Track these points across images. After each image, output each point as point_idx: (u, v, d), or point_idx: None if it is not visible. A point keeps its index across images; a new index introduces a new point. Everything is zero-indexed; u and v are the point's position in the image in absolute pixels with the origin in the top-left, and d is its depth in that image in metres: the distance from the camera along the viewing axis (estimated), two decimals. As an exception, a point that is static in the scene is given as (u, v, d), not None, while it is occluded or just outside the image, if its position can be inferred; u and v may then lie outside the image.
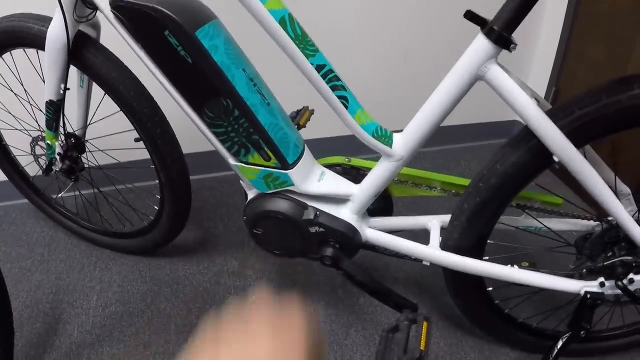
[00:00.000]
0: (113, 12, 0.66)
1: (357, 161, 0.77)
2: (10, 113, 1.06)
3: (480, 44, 0.57)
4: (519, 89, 0.56)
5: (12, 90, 1.02)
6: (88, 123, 0.96)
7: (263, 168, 0.72)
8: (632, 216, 0.63)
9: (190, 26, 0.64)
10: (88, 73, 0.82)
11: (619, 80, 0.56)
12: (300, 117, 0.83)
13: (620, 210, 0.62)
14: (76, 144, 0.96)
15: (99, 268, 1.09)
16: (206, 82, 0.66)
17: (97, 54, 0.80)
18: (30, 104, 1.01)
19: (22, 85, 1.00)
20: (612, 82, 0.56)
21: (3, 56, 0.94)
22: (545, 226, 0.75)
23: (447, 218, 0.74)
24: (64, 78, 0.82)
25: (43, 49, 0.79)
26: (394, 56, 1.33)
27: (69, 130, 0.93)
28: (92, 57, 0.80)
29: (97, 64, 0.80)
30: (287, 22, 0.62)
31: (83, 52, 0.80)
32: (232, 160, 0.74)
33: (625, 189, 0.70)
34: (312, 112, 0.86)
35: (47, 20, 0.79)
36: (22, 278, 1.07)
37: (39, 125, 1.03)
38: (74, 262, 1.11)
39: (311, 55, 0.63)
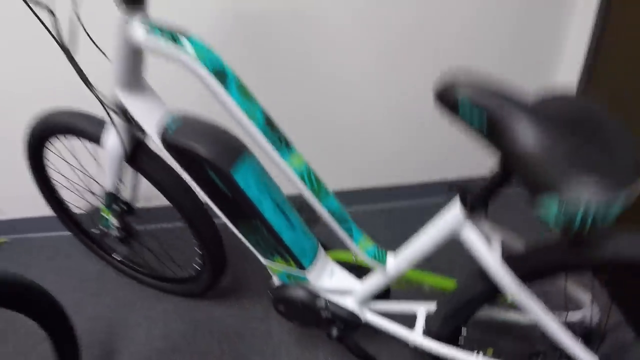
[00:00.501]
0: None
1: (361, 261, 0.95)
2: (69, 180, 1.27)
3: (456, 210, 0.72)
4: (487, 250, 0.71)
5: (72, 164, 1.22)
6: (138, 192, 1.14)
7: (285, 268, 0.91)
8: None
9: (228, 166, 0.80)
10: (142, 174, 1.00)
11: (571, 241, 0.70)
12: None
13: (569, 345, 0.74)
14: (129, 210, 1.14)
15: (145, 307, 1.30)
16: (240, 209, 0.83)
17: (149, 160, 0.97)
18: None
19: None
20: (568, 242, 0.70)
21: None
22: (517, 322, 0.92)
23: (433, 306, 0.91)
24: (121, 176, 1.00)
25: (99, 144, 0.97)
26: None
27: (123, 198, 1.11)
28: (146, 163, 0.97)
29: (150, 168, 0.98)
30: (306, 176, 0.78)
31: (138, 157, 0.97)
32: (261, 259, 0.93)
33: (583, 297, 0.86)
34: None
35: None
36: (77, 309, 1.30)
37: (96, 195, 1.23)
38: (123, 299, 1.33)
39: (324, 198, 0.80)
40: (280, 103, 1.28)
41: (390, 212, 1.55)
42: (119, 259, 1.34)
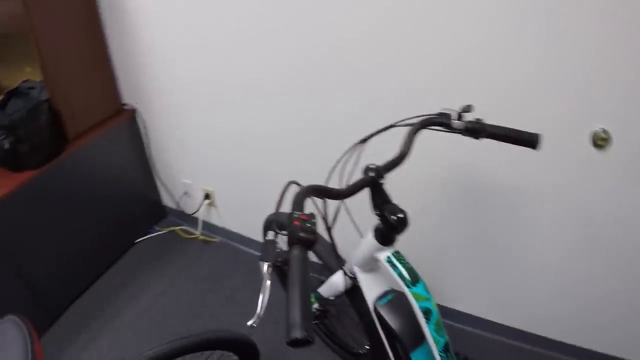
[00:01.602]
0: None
1: None
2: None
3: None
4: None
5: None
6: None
7: None
8: None
9: (410, 347, 1.04)
10: (351, 303, 1.32)
11: None
12: None
13: None
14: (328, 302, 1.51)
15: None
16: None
17: (359, 300, 1.29)
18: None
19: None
20: None
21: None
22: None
23: None
24: (335, 295, 1.35)
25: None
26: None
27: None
28: (356, 300, 1.29)
29: (357, 304, 1.29)
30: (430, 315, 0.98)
31: (353, 292, 1.28)
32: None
33: None
34: None
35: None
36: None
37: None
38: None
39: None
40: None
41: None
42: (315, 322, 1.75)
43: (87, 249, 2.10)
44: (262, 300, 0.85)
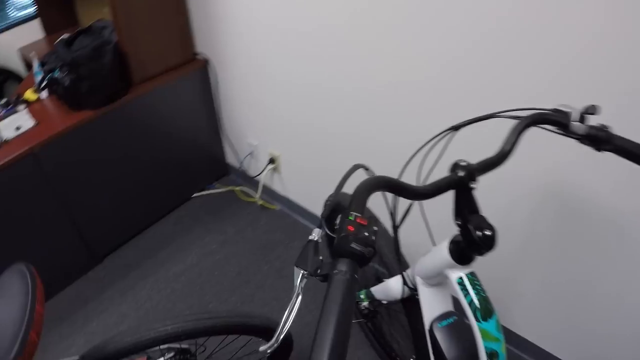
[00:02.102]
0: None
1: None
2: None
3: None
4: None
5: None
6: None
7: None
8: None
9: None
10: (405, 311, 1.15)
11: None
12: None
13: None
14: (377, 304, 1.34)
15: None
16: None
17: (414, 310, 1.10)
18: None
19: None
20: None
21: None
22: None
23: None
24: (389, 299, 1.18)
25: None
26: None
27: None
28: (411, 309, 1.11)
29: (411, 311, 1.12)
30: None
31: (408, 302, 1.11)
32: None
33: None
34: None
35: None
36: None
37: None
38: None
39: None
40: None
41: None
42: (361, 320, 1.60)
43: (140, 197, 2.08)
44: (285, 318, 0.68)
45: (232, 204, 2.28)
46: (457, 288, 0.80)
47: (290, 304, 0.67)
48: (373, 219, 0.58)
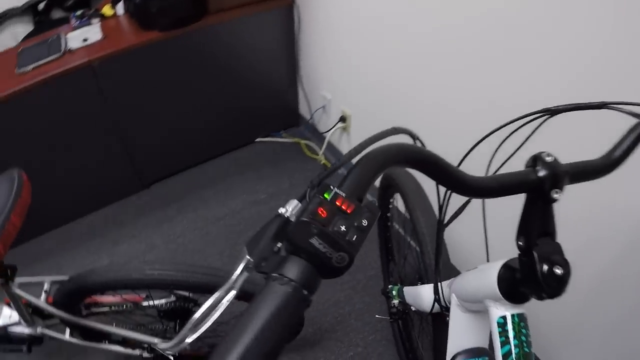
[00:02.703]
0: None
1: None
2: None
3: None
4: None
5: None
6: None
7: None
8: None
9: None
10: (433, 323, 0.94)
11: None
12: None
13: None
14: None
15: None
16: None
17: (441, 329, 0.90)
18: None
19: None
20: None
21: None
22: None
23: None
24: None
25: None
26: None
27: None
28: (437, 325, 0.91)
29: (437, 327, 0.91)
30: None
31: (436, 317, 0.91)
32: None
33: None
34: None
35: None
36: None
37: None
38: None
39: None
40: None
41: None
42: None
43: (199, 131, 2.01)
44: (198, 319, 0.49)
45: (294, 157, 2.15)
46: (495, 329, 0.58)
47: (211, 299, 0.49)
48: (366, 210, 0.38)
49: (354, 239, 0.36)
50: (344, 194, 0.39)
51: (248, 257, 0.40)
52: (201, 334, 1.11)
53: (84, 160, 1.77)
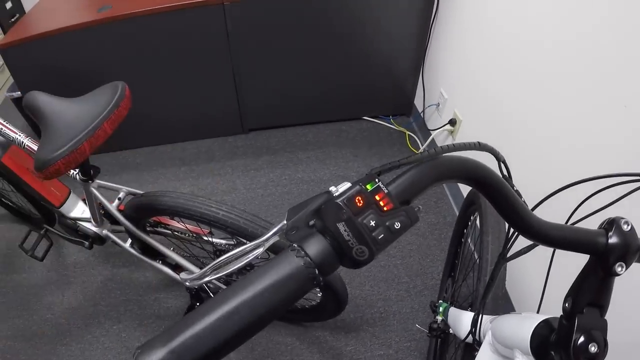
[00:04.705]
0: None
1: None
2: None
3: None
4: None
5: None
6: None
7: None
8: None
9: None
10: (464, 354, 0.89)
11: None
12: None
13: None
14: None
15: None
16: None
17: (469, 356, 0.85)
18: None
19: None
20: None
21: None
22: None
23: None
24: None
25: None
26: None
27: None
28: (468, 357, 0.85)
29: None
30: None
31: (468, 347, 0.85)
32: None
33: None
34: None
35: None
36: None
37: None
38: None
39: None
40: None
41: None
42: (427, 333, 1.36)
43: (310, 92, 2.05)
44: (226, 258, 0.52)
45: (394, 146, 2.12)
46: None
47: (240, 249, 0.51)
48: (403, 213, 0.37)
49: (380, 237, 0.36)
50: (386, 190, 0.38)
51: (285, 221, 0.41)
52: (224, 280, 1.17)
53: (196, 91, 1.91)
